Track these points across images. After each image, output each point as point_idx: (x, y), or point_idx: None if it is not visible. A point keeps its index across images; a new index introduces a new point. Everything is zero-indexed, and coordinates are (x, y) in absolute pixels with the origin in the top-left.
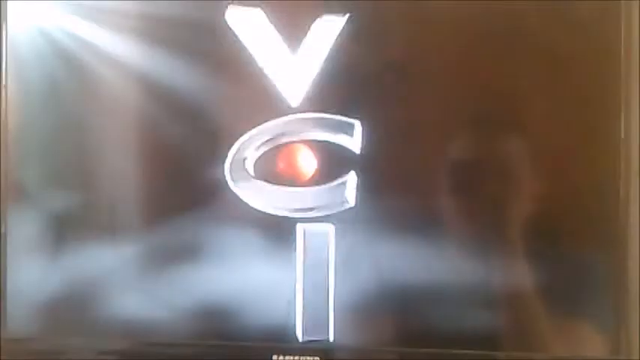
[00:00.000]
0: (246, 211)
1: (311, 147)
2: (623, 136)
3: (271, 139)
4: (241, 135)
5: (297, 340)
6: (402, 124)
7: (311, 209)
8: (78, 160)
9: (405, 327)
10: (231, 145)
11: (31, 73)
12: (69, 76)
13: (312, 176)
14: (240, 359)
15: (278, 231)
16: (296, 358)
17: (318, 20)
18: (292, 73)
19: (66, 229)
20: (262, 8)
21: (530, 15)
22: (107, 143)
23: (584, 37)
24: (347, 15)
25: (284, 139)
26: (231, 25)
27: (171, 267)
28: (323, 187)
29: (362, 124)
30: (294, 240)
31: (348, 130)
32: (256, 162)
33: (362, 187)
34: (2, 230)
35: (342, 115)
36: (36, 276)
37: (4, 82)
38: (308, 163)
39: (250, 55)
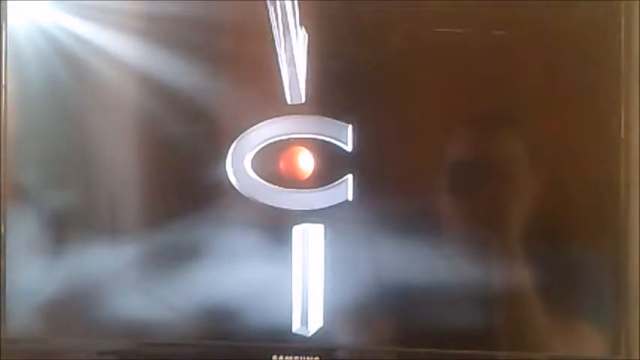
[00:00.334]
0: (246, 211)
1: (309, 147)
2: (622, 136)
3: (271, 138)
4: (241, 134)
5: (297, 340)
6: (400, 125)
7: (310, 209)
8: (78, 160)
9: (404, 327)
10: (231, 144)
11: (31, 72)
12: (69, 76)
13: (311, 176)
14: (240, 359)
15: (277, 230)
16: (296, 358)
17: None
18: (293, 73)
19: (66, 229)
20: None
21: (530, 15)
22: (107, 143)
23: (584, 37)
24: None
25: (283, 139)
26: (231, 25)
27: (170, 267)
28: (321, 187)
29: (360, 126)
30: (294, 240)
31: (346, 130)
32: (257, 161)
33: (360, 188)
34: (2, 230)
35: (340, 115)
36: (36, 276)
37: (3, 82)
38: (306, 163)
39: (251, 54)
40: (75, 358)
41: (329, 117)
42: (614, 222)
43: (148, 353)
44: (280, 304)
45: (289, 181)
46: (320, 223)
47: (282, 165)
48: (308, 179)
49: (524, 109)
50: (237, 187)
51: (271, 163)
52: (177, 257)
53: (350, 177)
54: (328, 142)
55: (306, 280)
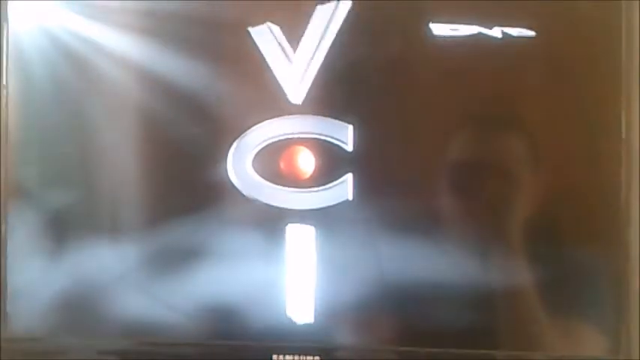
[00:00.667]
0: (246, 210)
1: (310, 147)
2: (624, 136)
3: (271, 138)
4: (242, 134)
5: (297, 339)
6: (401, 125)
7: (310, 208)
8: (79, 160)
9: (404, 326)
10: (232, 144)
11: (31, 71)
12: (70, 75)
13: (311, 175)
14: (240, 359)
15: (278, 230)
16: (296, 357)
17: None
18: (293, 72)
19: (66, 229)
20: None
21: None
22: (108, 142)
23: (584, 37)
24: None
25: (284, 139)
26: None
27: (171, 266)
28: (322, 186)
29: (360, 125)
30: (294, 239)
31: (346, 130)
32: (258, 161)
33: (360, 187)
34: (2, 230)
35: (341, 115)
36: (36, 276)
37: (4, 82)
38: (307, 162)
39: (252, 53)
40: (75, 358)
41: (329, 117)
42: (614, 222)
43: (148, 353)
44: (282, 303)
45: (290, 180)
46: (320, 222)
47: (282, 165)
48: (308, 179)
49: (525, 109)
50: (238, 186)
51: (272, 162)
52: (178, 257)
53: (350, 176)
54: (329, 142)
55: (308, 280)
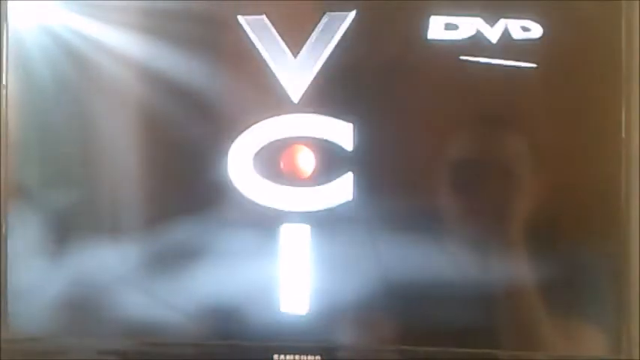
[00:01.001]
0: (247, 210)
1: (310, 146)
2: (624, 135)
3: (272, 137)
4: (242, 133)
5: (298, 339)
6: (401, 124)
7: (310, 207)
8: (79, 160)
9: (406, 326)
10: (232, 143)
11: (31, 71)
12: (69, 75)
13: (311, 175)
14: (240, 359)
15: (278, 229)
16: (297, 357)
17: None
18: (294, 72)
19: (67, 229)
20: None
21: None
22: (108, 142)
23: (584, 37)
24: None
25: (284, 138)
26: (235, 24)
27: (171, 266)
28: (322, 185)
29: (360, 125)
30: (294, 238)
31: (347, 129)
32: (258, 160)
33: (360, 186)
34: (3, 230)
35: (342, 114)
36: (37, 276)
37: (4, 82)
38: (307, 161)
39: (253, 52)
40: (75, 358)
41: (329, 116)
42: (615, 222)
43: (149, 353)
44: (282, 303)
45: (290, 179)
46: (320, 221)
47: (282, 164)
48: (308, 178)
49: (525, 109)
50: (238, 186)
51: (272, 162)
52: (178, 257)
53: (350, 175)
54: (329, 141)
55: (309, 279)
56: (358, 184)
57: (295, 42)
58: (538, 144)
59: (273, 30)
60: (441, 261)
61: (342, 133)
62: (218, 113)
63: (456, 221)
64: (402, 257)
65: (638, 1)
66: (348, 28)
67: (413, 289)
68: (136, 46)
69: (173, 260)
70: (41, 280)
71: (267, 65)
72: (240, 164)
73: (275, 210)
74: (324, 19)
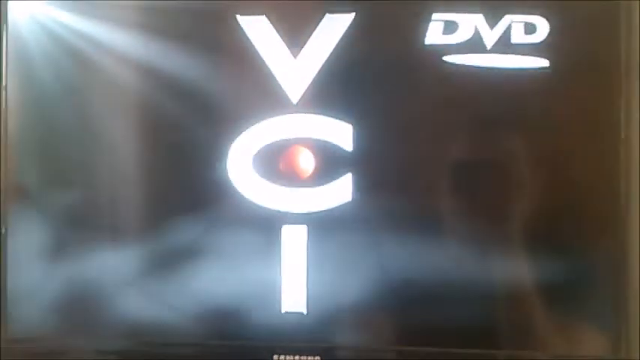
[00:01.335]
0: (247, 210)
1: (310, 147)
2: (623, 136)
3: (271, 138)
4: (242, 133)
5: (297, 339)
6: (400, 125)
7: (310, 208)
8: (79, 160)
9: (405, 326)
10: (232, 143)
11: (31, 72)
12: (70, 75)
13: (311, 175)
14: (240, 359)
15: (277, 229)
16: (296, 357)
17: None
18: (294, 72)
19: (67, 230)
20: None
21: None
22: (108, 143)
23: (584, 38)
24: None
25: (283, 139)
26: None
27: (171, 267)
28: (321, 186)
29: (360, 125)
30: (294, 239)
31: (346, 130)
32: (257, 161)
33: (359, 187)
34: (3, 230)
35: (341, 115)
36: (37, 276)
37: (4, 82)
38: (307, 162)
39: (253, 53)
40: (75, 358)
41: (329, 117)
42: (614, 222)
43: (148, 353)
44: (282, 304)
45: (289, 180)
46: (319, 222)
47: (282, 164)
48: (308, 179)
49: (524, 109)
50: (237, 187)
51: (271, 162)
52: (178, 257)
53: (350, 176)
54: (328, 142)
55: (309, 279)
56: (357, 185)
57: (295, 42)
58: (538, 144)
59: (273, 30)
60: (441, 261)
61: (342, 134)
62: (218, 114)
63: (455, 222)
64: (401, 258)
65: (638, 1)
66: (348, 30)
67: (412, 289)
68: (135, 47)
69: (173, 261)
70: (41, 280)
71: (266, 66)
72: (239, 165)
73: (274, 211)
74: (324, 20)
